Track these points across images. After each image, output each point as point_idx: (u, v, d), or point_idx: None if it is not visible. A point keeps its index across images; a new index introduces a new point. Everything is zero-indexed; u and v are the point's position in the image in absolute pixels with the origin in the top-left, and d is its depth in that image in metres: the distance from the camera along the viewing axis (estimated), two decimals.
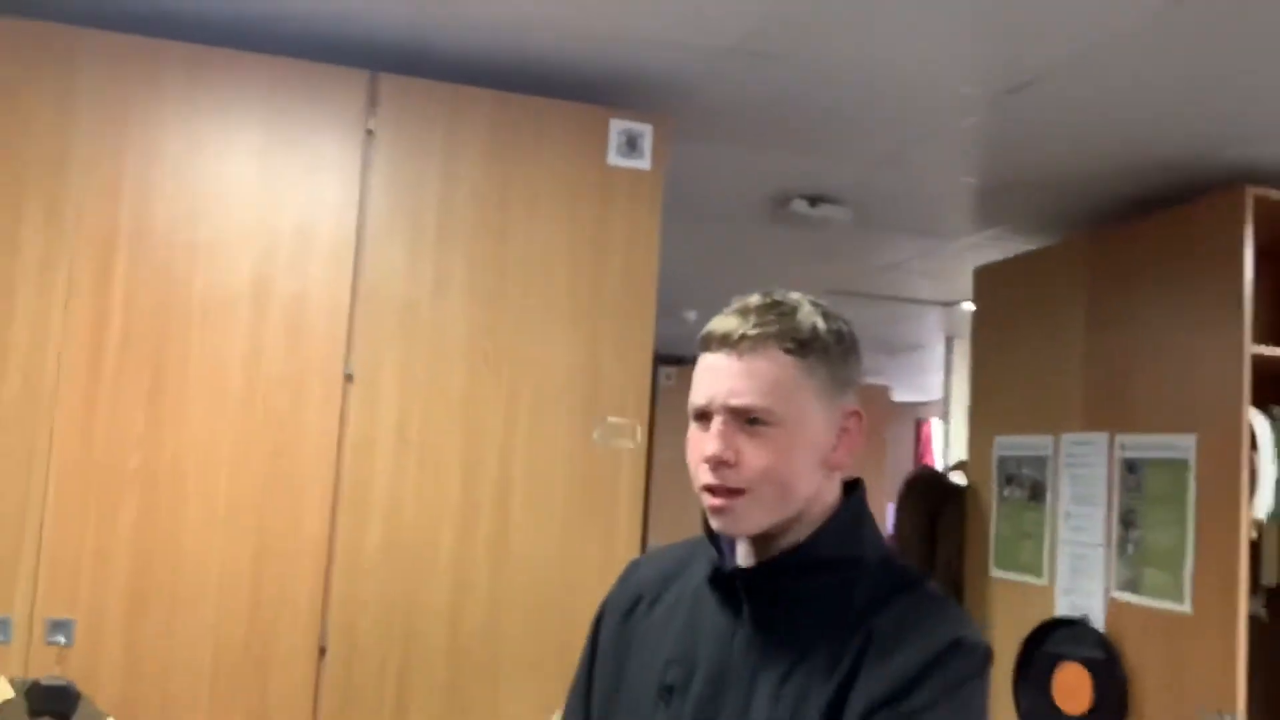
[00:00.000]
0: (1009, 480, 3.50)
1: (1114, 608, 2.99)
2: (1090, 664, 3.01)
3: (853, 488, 1.34)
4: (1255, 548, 2.78)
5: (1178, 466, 2.85)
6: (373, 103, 2.40)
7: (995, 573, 3.51)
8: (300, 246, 2.34)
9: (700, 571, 1.35)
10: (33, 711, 2.00)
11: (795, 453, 1.26)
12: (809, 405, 1.27)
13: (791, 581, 1.27)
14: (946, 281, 4.43)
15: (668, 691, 1.28)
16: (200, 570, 2.23)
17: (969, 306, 4.01)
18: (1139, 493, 2.97)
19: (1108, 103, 2.51)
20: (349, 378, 2.33)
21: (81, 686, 2.06)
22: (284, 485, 2.28)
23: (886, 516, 5.46)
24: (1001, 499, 3.53)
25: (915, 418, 9.34)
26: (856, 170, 3.15)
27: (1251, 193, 2.74)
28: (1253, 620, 2.67)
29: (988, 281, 3.82)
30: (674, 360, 7.24)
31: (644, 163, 2.52)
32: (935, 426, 8.49)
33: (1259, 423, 2.79)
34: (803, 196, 3.39)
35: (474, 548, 2.36)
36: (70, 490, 2.19)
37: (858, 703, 1.16)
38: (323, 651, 2.28)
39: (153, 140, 2.29)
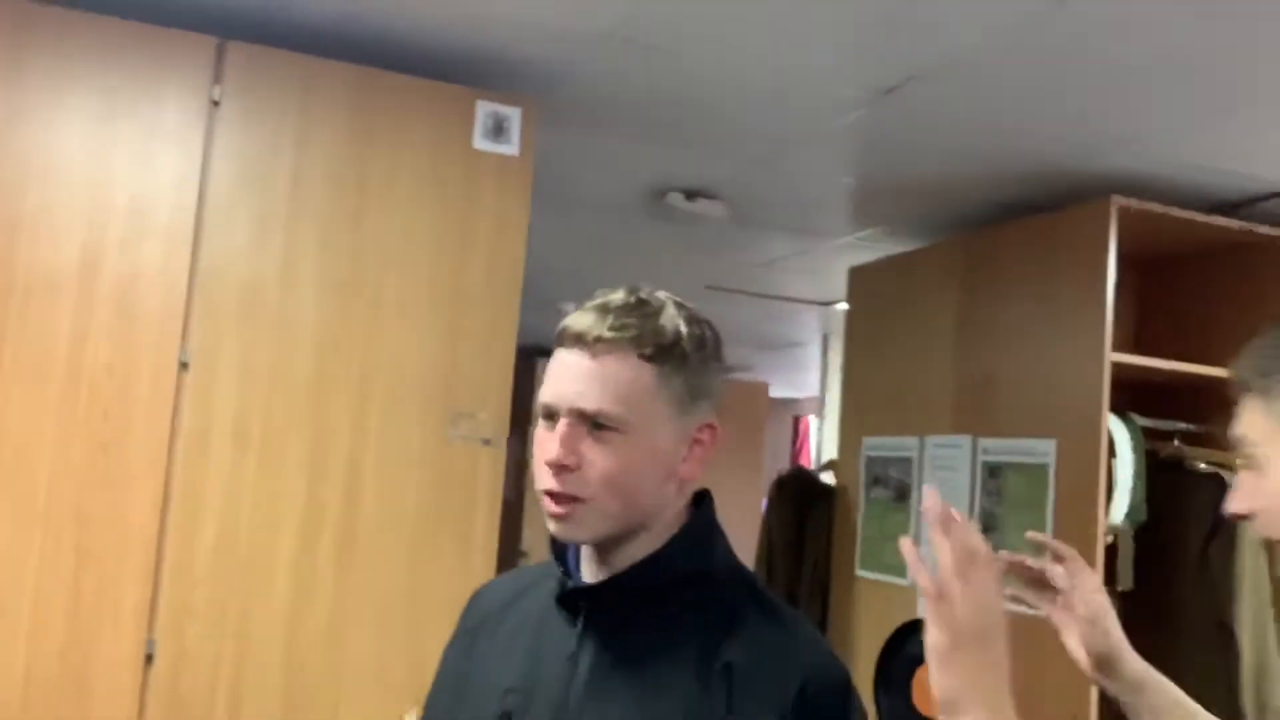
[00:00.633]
0: (876, 481, 3.51)
1: None
2: None
3: (701, 500, 1.27)
4: (1111, 552, 2.83)
5: (1038, 471, 2.87)
6: (219, 71, 2.24)
7: (861, 573, 3.52)
8: (134, 223, 2.17)
9: (546, 592, 1.27)
10: None
11: (641, 462, 1.19)
12: (660, 414, 1.20)
13: (639, 599, 1.21)
14: (824, 280, 4.44)
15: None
16: (14, 570, 2.05)
17: (844, 306, 4.01)
18: (999, 496, 2.99)
19: (983, 106, 2.50)
20: (184, 365, 2.17)
21: None
22: (109, 481, 2.11)
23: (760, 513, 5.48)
24: (869, 500, 3.53)
25: (793, 414, 9.44)
26: (734, 166, 3.10)
27: (1117, 203, 2.78)
28: None
29: (861, 282, 3.83)
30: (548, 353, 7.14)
31: (512, 148, 2.42)
32: (812, 424, 8.58)
33: (1117, 429, 2.83)
34: (679, 190, 3.32)
35: (317, 550, 2.23)
36: None
37: None
38: (149, 659, 2.12)
39: None
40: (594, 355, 1.18)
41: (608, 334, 1.18)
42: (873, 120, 2.63)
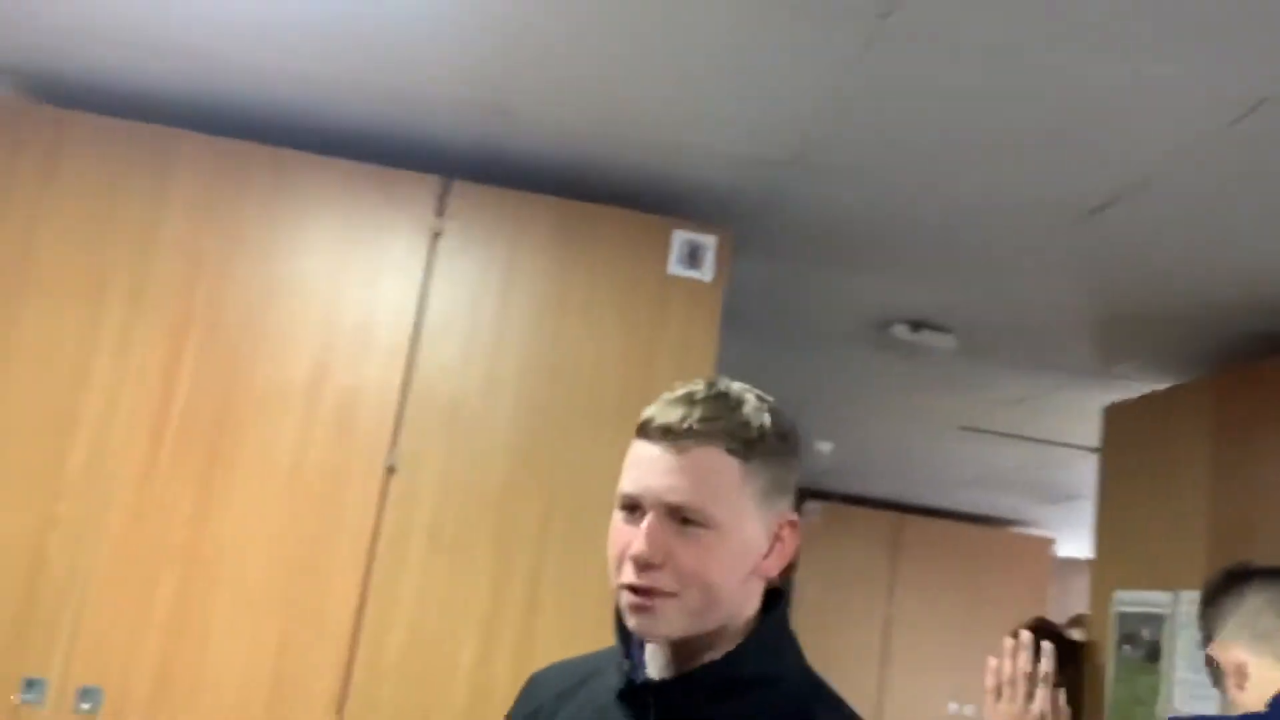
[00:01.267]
0: (1126, 639, 3.19)
1: None
2: None
3: (774, 597, 1.23)
4: None
5: None
6: (442, 207, 2.48)
7: None
8: (359, 341, 2.41)
9: (607, 684, 1.24)
10: None
11: (727, 559, 1.16)
12: (746, 509, 1.18)
13: (708, 698, 1.17)
14: (1092, 422, 4.15)
15: None
16: (225, 651, 2.26)
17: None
18: None
19: (1214, 224, 2.33)
20: (390, 470, 2.35)
21: None
22: (315, 573, 2.30)
23: None
24: (1119, 659, 3.20)
25: (1084, 575, 8.69)
26: (954, 294, 3.01)
27: None
28: None
29: (1115, 421, 3.57)
30: (819, 494, 6.97)
31: (705, 274, 2.49)
32: None
33: None
34: (904, 321, 3.27)
35: (497, 656, 2.30)
36: (115, 561, 2.27)
37: None
38: None
39: (233, 234, 2.42)
40: (681, 450, 1.17)
41: (697, 426, 1.18)
42: (1089, 242, 2.50)
